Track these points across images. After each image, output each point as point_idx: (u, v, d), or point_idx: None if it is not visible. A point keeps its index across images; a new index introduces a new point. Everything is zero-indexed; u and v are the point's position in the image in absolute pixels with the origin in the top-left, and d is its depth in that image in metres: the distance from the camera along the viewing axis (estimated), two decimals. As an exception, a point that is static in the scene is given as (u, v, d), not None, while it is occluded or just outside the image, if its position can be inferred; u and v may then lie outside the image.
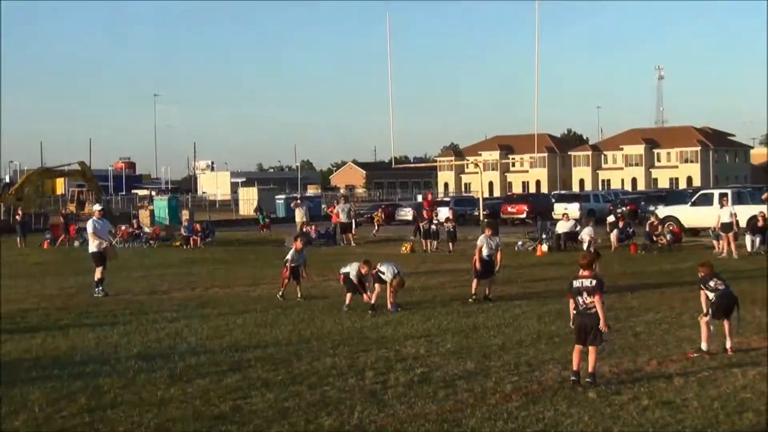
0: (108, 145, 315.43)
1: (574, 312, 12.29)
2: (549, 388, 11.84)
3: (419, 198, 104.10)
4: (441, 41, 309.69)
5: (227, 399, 11.61)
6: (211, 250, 42.33)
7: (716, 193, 41.58)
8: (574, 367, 12.08)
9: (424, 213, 43.41)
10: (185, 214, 57.22)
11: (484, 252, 20.84)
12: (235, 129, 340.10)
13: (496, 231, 21.86)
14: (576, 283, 12.23)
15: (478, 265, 20.71)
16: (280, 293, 21.42)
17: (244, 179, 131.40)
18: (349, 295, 19.67)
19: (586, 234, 25.87)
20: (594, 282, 12.10)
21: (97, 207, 26.93)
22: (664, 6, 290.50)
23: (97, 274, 23.38)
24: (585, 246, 25.31)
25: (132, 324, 18.26)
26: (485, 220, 43.88)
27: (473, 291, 20.60)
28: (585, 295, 12.08)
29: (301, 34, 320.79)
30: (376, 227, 51.12)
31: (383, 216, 57.78)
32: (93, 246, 23.82)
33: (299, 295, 21.44)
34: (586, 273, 12.26)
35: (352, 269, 19.75)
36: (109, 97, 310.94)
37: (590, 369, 11.99)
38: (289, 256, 21.74)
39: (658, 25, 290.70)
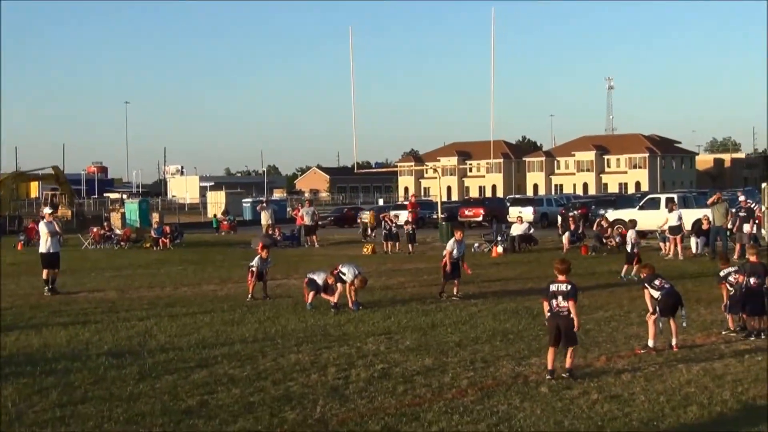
0: (81, 150, 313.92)
1: (549, 313, 12.73)
2: (503, 383, 12.19)
3: (381, 202, 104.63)
4: (401, 50, 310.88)
5: (194, 394, 11.91)
6: (180, 251, 42.49)
7: (663, 197, 42.34)
8: (549, 366, 12.52)
9: (409, 215, 44.89)
10: (155, 217, 57.70)
11: (454, 254, 21.69)
12: (203, 135, 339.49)
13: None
14: (552, 287, 12.69)
15: (448, 267, 21.56)
16: (249, 296, 21.77)
17: (212, 183, 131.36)
18: (311, 293, 20.10)
19: (629, 237, 26.46)
20: (569, 287, 12.61)
21: (47, 210, 27.18)
22: (615, 18, 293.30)
23: (44, 275, 24.10)
24: (629, 248, 25.78)
25: (103, 322, 18.60)
26: (447, 223, 44.49)
27: (442, 290, 21.51)
28: (560, 298, 12.54)
29: (266, 42, 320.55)
30: (369, 230, 49.26)
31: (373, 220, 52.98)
32: (43, 247, 24.32)
33: (266, 295, 21.89)
34: (562, 278, 12.72)
35: (318, 278, 20.19)
36: (82, 104, 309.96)
37: (567, 365, 12.51)
38: (254, 263, 22.10)
39: (609, 37, 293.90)
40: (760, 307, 15.49)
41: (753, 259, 16.16)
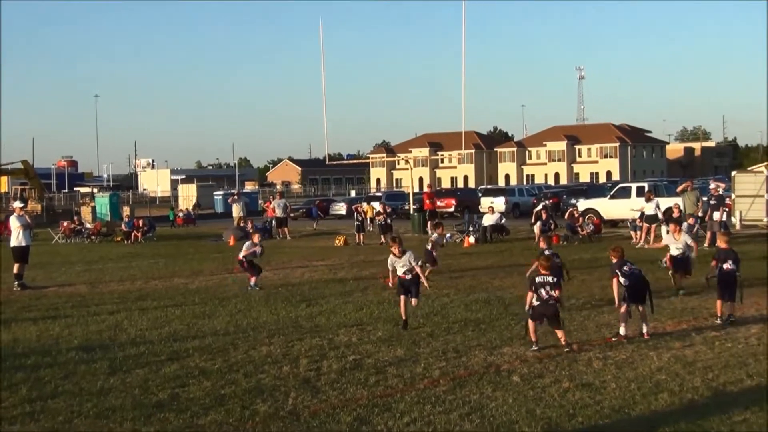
0: (51, 144, 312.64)
1: (536, 303, 13.71)
2: (475, 373, 12.24)
3: (353, 193, 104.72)
4: (372, 42, 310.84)
5: (165, 387, 11.88)
6: (151, 244, 42.37)
7: (634, 186, 42.58)
8: (533, 338, 13.73)
9: (426, 204, 45.71)
10: (126, 211, 57.66)
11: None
12: (174, 128, 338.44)
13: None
14: (538, 279, 13.78)
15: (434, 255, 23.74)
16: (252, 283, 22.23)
17: (183, 176, 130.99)
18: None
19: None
20: (555, 279, 13.89)
21: (17, 204, 27.07)
22: (585, 8, 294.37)
23: (15, 269, 24.00)
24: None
25: (73, 317, 18.49)
26: (419, 214, 44.53)
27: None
28: (548, 288, 13.66)
29: (237, 34, 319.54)
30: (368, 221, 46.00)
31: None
32: (14, 240, 24.24)
33: (254, 284, 22.20)
34: (545, 272, 13.89)
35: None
36: (52, 98, 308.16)
37: (564, 341, 13.75)
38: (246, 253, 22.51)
39: (579, 27, 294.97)
40: (732, 292, 15.74)
41: (724, 245, 16.35)
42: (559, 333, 13.82)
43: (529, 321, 13.86)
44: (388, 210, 40.95)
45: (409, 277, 16.38)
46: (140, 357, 14.00)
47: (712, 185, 36.78)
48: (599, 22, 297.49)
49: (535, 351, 13.47)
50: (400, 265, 16.51)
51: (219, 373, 12.68)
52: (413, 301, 16.54)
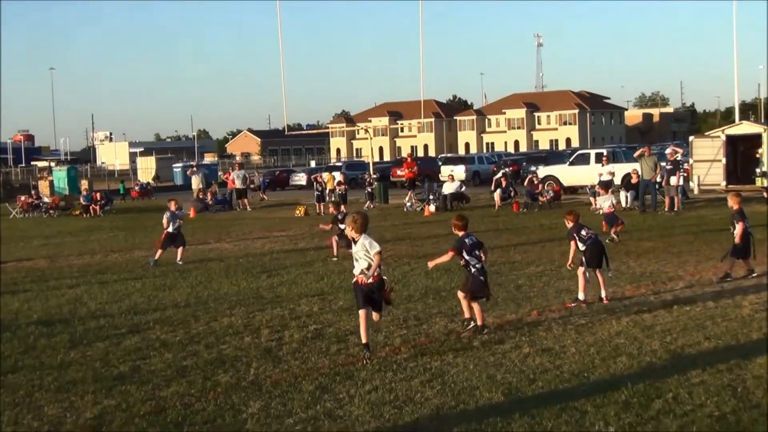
0: (7, 118, 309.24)
1: (474, 268, 12.72)
2: (436, 340, 12.29)
3: (313, 164, 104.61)
4: (330, 11, 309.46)
5: (126, 360, 11.85)
6: (110, 218, 42.23)
7: (593, 153, 42.84)
8: (467, 315, 12.82)
9: (405, 173, 45.77)
10: (84, 184, 57.15)
11: None
12: (132, 100, 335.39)
13: None
14: (468, 240, 12.91)
15: None
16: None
17: (142, 149, 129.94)
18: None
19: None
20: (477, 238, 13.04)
21: None
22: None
23: None
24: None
25: (32, 291, 18.40)
26: (380, 183, 44.55)
27: None
28: (478, 249, 12.87)
29: (193, 3, 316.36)
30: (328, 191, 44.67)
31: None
32: None
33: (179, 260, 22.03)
34: (463, 232, 13.05)
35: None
36: (6, 72, 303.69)
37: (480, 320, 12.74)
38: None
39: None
40: (748, 250, 16.53)
41: (737, 206, 16.84)
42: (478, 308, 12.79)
43: (475, 304, 12.82)
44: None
45: (369, 279, 11.59)
46: (101, 330, 13.93)
47: (669, 150, 37.14)
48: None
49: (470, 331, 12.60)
50: (356, 255, 11.73)
51: (180, 345, 12.65)
52: (375, 315, 11.91)
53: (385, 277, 11.83)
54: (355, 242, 11.67)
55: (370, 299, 11.56)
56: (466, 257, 12.77)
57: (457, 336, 12.44)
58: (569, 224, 15.18)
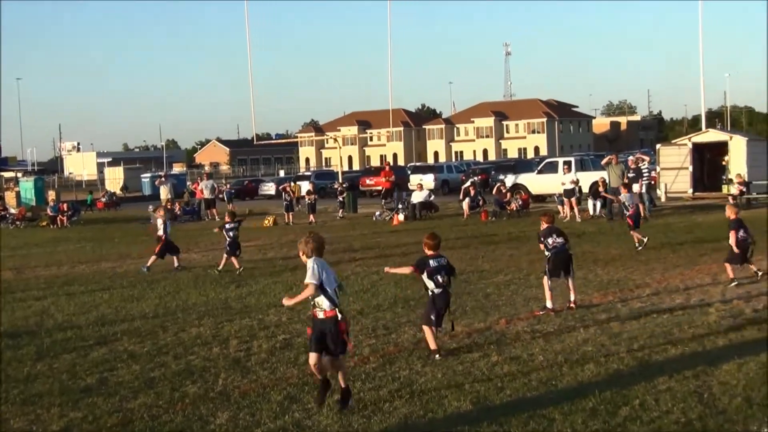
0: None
1: (437, 290, 11.93)
2: (405, 349, 12.29)
3: (282, 173, 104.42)
4: (299, 21, 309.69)
5: (94, 372, 11.77)
6: (77, 229, 41.99)
7: (560, 161, 43.11)
8: (434, 346, 11.82)
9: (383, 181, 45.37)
10: (51, 195, 56.80)
11: None
12: (100, 110, 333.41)
13: None
14: (432, 263, 11.99)
15: None
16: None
17: (110, 159, 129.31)
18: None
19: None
20: (446, 260, 12.18)
21: None
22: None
23: None
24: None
25: (-2, 303, 18.22)
26: (349, 192, 44.46)
27: None
28: (443, 273, 12.00)
29: (160, 13, 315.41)
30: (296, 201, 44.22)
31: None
32: None
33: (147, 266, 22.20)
34: (434, 253, 12.09)
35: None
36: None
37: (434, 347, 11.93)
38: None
39: (505, 2, 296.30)
40: (745, 257, 16.88)
41: (734, 216, 17.11)
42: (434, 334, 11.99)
43: (431, 328, 11.97)
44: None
45: (320, 315, 9.80)
46: (68, 342, 13.83)
47: (630, 158, 37.37)
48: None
49: (439, 358, 11.67)
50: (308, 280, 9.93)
51: (148, 356, 12.59)
52: (327, 362, 9.70)
53: (340, 315, 9.86)
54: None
55: (321, 341, 9.67)
56: (425, 278, 12.02)
57: (426, 345, 12.42)
58: (542, 226, 15.25)
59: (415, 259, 12.54)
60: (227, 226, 21.64)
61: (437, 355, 11.71)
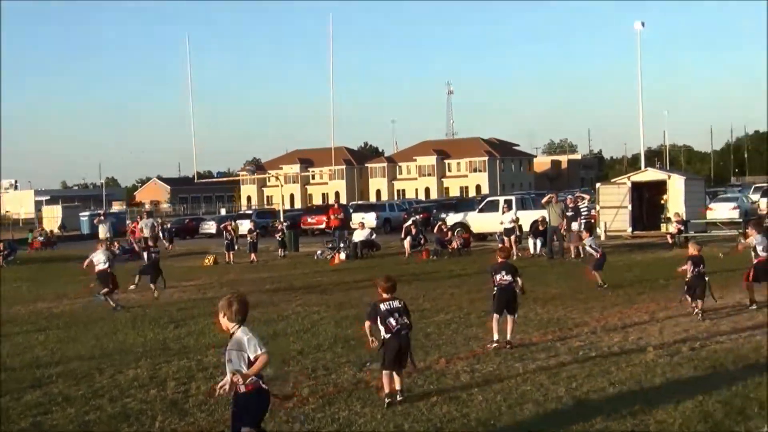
0: None
1: (389, 335, 11.30)
2: (344, 390, 12.22)
3: (223, 212, 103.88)
4: (238, 56, 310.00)
5: (27, 416, 11.57)
6: (13, 268, 41.37)
7: (501, 200, 43.41)
8: (388, 389, 11.40)
9: (332, 219, 44.26)
10: (-15, 235, 55.89)
11: None
12: (37, 148, 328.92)
13: None
14: (384, 306, 11.43)
15: None
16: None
17: (48, 197, 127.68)
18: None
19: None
20: (402, 303, 11.61)
21: None
22: (452, 22, 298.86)
23: None
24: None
25: (-73, 346, 17.80)
26: (290, 231, 44.30)
27: None
28: (397, 315, 11.35)
29: (101, 49, 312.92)
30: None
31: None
32: None
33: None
34: (388, 296, 11.56)
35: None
36: None
37: (398, 386, 11.53)
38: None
39: (447, 42, 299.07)
40: (702, 291, 17.16)
41: (696, 252, 17.60)
42: (401, 376, 11.64)
43: (387, 372, 11.48)
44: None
45: (242, 388, 8.50)
46: (0, 385, 13.57)
47: (569, 197, 37.79)
48: (467, 35, 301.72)
49: (391, 402, 11.28)
50: (228, 354, 8.61)
51: (83, 399, 12.39)
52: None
53: (266, 388, 8.77)
54: (231, 335, 8.61)
55: (239, 419, 8.55)
56: (379, 325, 11.38)
57: (366, 385, 12.40)
58: (498, 259, 15.42)
59: (366, 312, 11.88)
60: (151, 249, 23.04)
61: (387, 400, 11.27)
